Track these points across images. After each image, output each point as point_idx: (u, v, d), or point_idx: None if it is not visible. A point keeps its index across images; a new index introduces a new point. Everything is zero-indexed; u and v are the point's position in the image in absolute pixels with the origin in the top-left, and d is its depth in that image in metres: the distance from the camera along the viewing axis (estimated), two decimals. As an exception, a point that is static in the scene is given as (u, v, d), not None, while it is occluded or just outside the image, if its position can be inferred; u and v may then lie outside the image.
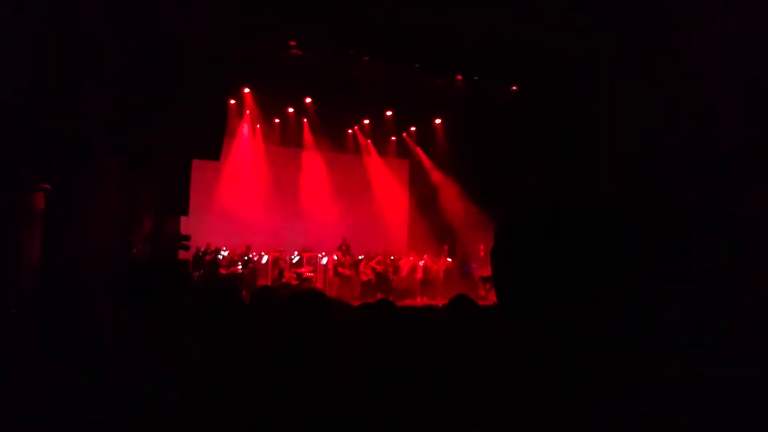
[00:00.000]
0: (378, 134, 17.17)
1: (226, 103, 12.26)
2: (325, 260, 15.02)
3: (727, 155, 7.44)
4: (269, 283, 13.73)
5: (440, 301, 10.58)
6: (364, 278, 14.63)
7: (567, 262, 0.78)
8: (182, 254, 10.54)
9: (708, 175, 7.48)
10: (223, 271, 13.24)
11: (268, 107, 15.27)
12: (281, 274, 14.26)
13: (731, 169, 7.35)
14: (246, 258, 13.86)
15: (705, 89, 7.78)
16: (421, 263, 15.27)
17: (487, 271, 12.83)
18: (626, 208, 0.82)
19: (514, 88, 12.90)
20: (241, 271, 13.49)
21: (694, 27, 7.95)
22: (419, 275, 15.09)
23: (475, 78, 12.68)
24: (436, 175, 17.31)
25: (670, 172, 8.26)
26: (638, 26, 8.65)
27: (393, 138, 17.56)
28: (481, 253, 15.20)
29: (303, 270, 14.57)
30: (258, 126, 16.19)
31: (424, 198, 17.69)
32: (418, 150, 17.62)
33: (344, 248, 15.38)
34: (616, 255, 0.77)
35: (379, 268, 14.84)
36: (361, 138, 17.41)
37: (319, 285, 14.30)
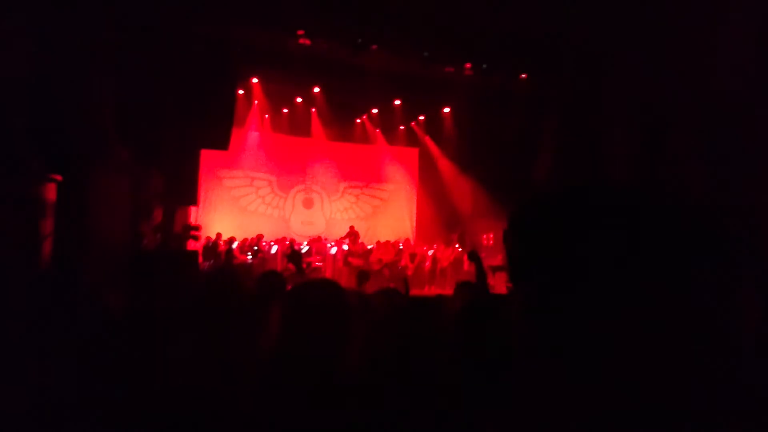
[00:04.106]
0: (387, 123, 17.13)
1: (235, 93, 12.25)
2: (334, 250, 15.05)
3: (734, 146, 7.39)
4: (278, 273, 13.75)
5: (449, 291, 10.58)
6: (375, 268, 14.65)
7: (581, 245, 0.77)
8: (192, 244, 10.59)
9: (715, 166, 7.43)
10: (238, 261, 13.32)
11: (276, 97, 15.27)
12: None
13: (738, 159, 7.29)
14: (255, 248, 13.91)
15: (714, 80, 7.71)
16: (431, 253, 15.27)
17: (496, 260, 12.81)
18: (639, 195, 0.81)
19: (523, 76, 12.81)
20: (250, 261, 13.54)
21: (701, 19, 7.86)
22: (428, 264, 15.09)
23: (484, 66, 12.60)
24: (445, 164, 17.27)
25: (678, 162, 8.21)
26: (646, 16, 8.56)
27: (402, 127, 17.51)
28: (491, 242, 15.17)
29: (312, 260, 14.60)
30: (266, 116, 16.19)
31: (433, 187, 17.67)
32: (427, 139, 17.57)
33: (353, 237, 15.40)
34: (630, 242, 0.76)
35: (387, 258, 14.85)
36: (369, 127, 17.38)
37: (328, 275, 14.32)
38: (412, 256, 15.31)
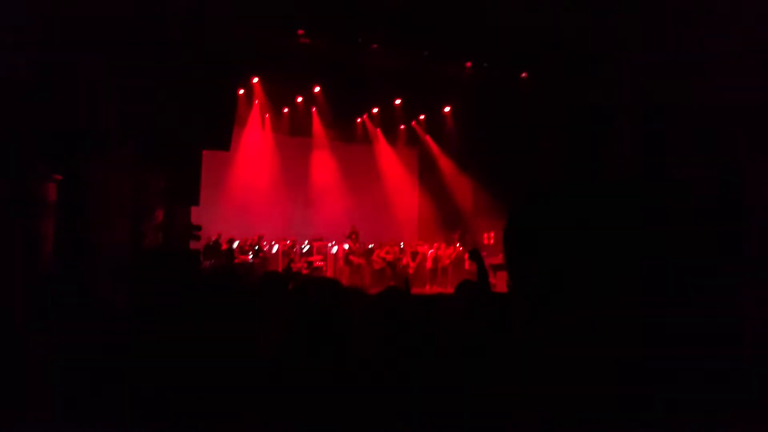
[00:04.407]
0: (387, 123, 17.12)
1: (236, 93, 12.24)
2: (335, 249, 15.05)
3: (737, 142, 7.38)
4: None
5: (451, 289, 10.59)
6: (377, 267, 14.66)
7: (581, 244, 0.77)
8: (193, 244, 10.60)
9: (718, 165, 7.42)
10: (239, 260, 13.35)
11: (277, 97, 15.27)
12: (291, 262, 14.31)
13: (740, 157, 7.29)
14: (256, 248, 13.91)
15: (717, 77, 7.70)
16: (432, 252, 15.27)
17: (497, 259, 12.82)
18: (639, 191, 0.81)
19: (523, 74, 12.80)
20: (251, 260, 13.55)
21: (705, 17, 7.86)
22: (429, 263, 15.10)
23: (485, 65, 12.59)
24: (446, 163, 17.26)
25: (680, 160, 8.20)
26: (648, 13, 8.55)
27: (402, 126, 17.51)
28: (492, 241, 15.16)
29: (313, 259, 14.61)
30: (267, 115, 16.19)
31: (433, 186, 17.66)
32: (428, 138, 17.56)
33: (354, 236, 15.40)
34: (629, 239, 0.76)
35: (389, 257, 14.86)
36: (370, 127, 17.37)
37: (329, 274, 14.31)
38: (413, 255, 15.31)
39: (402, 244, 15.66)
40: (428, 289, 14.23)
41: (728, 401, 0.75)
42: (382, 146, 17.84)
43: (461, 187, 16.65)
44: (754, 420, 0.76)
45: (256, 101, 15.38)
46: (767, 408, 0.76)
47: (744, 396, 0.76)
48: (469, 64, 12.62)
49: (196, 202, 10.53)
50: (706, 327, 0.75)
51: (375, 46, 11.58)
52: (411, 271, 14.88)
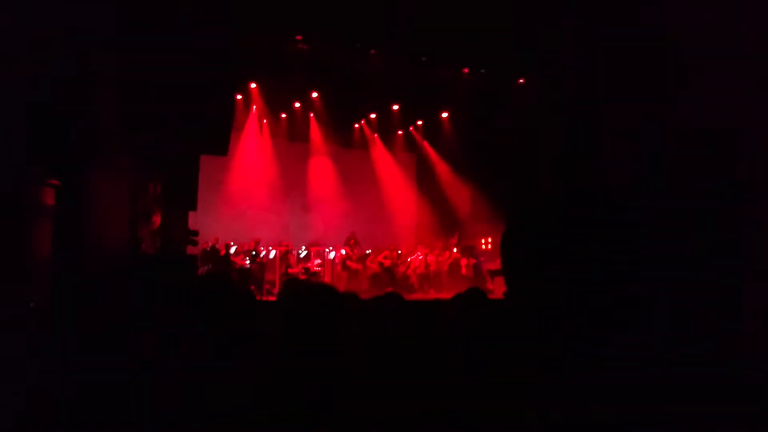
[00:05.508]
0: (385, 128, 17.15)
1: (233, 99, 12.26)
2: (332, 254, 15.05)
3: (735, 153, 7.40)
4: (277, 278, 13.79)
5: (448, 295, 10.57)
6: (374, 272, 14.66)
7: (578, 250, 0.78)
8: (191, 249, 10.60)
9: (714, 176, 7.43)
10: (236, 266, 13.35)
11: (274, 102, 15.27)
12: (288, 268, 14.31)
13: (738, 167, 7.30)
14: (254, 253, 13.91)
15: (713, 86, 7.72)
16: (429, 257, 15.28)
17: (494, 265, 12.81)
18: (635, 201, 0.82)
19: (521, 81, 12.84)
20: (249, 266, 13.54)
21: (700, 25, 7.88)
22: (426, 268, 15.11)
23: (482, 71, 12.63)
24: (444, 169, 17.29)
25: (677, 170, 8.22)
26: (644, 23, 8.58)
27: (400, 132, 17.54)
28: (489, 247, 15.17)
29: (311, 264, 14.60)
30: (265, 121, 16.21)
31: (431, 192, 17.69)
32: (425, 144, 17.59)
33: (353, 242, 15.39)
34: (622, 245, 0.77)
35: (386, 262, 14.86)
36: (368, 132, 17.40)
37: (327, 279, 14.32)
38: (411, 261, 15.31)
39: (399, 249, 15.67)
40: (425, 295, 14.23)
41: (728, 401, 0.76)
42: (379, 152, 17.86)
43: (459, 192, 16.67)
44: (755, 419, 0.77)
45: (254, 106, 15.40)
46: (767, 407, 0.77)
47: (744, 395, 0.77)
48: (466, 70, 12.65)
49: (194, 207, 10.53)
50: (706, 328, 0.76)
51: (373, 51, 11.62)
52: (408, 276, 14.88)
